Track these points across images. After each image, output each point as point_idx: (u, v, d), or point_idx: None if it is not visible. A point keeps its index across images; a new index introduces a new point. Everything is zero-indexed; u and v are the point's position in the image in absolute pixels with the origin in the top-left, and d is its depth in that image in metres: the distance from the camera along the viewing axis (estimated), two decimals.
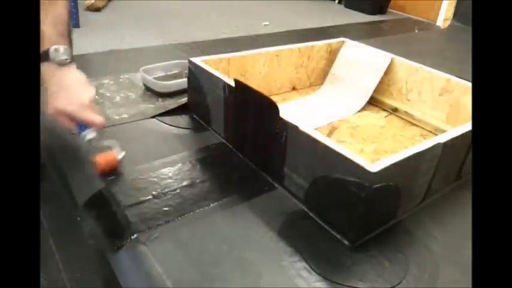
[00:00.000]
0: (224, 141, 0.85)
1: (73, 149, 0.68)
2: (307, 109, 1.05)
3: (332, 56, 1.16)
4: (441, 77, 0.98)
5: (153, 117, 0.92)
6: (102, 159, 0.71)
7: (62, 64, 0.66)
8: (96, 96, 1.00)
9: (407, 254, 0.61)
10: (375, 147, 0.90)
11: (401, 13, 4.30)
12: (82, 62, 1.32)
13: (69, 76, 0.66)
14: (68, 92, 0.64)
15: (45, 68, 0.65)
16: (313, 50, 1.12)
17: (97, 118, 0.66)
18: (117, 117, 0.91)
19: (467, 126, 0.72)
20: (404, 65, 1.05)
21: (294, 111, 1.02)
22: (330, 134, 0.94)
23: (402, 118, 1.05)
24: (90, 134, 0.67)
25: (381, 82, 1.08)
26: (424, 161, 0.65)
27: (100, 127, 0.67)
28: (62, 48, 0.66)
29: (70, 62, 0.67)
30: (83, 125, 0.67)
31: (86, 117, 0.65)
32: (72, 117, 0.65)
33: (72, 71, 0.68)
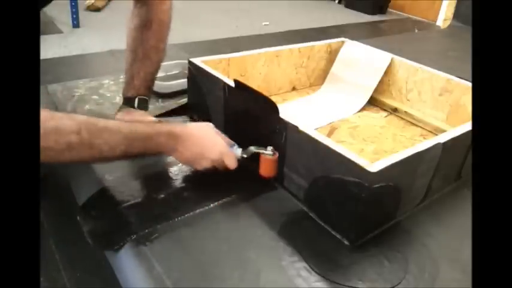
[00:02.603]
0: None
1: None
2: (307, 109, 1.05)
3: (332, 56, 1.16)
4: (441, 77, 0.98)
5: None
6: (266, 163, 0.71)
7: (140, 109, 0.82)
8: (96, 97, 1.00)
9: (407, 254, 0.61)
10: (374, 147, 0.90)
11: (401, 13, 4.30)
12: (82, 62, 1.32)
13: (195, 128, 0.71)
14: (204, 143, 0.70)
15: (128, 111, 0.80)
16: (313, 50, 1.12)
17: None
18: None
19: (467, 126, 0.72)
20: (404, 65, 1.05)
21: (294, 111, 1.02)
22: (330, 134, 0.94)
23: (402, 118, 1.05)
24: (238, 150, 0.71)
25: (381, 82, 1.08)
26: (424, 161, 0.65)
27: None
28: (144, 98, 0.83)
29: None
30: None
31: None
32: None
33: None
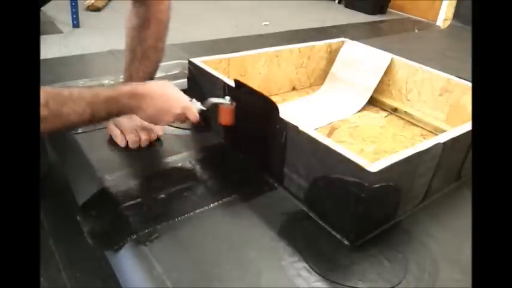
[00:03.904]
0: (224, 141, 0.85)
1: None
2: (307, 109, 1.05)
3: (332, 56, 1.16)
4: (441, 77, 0.98)
5: None
6: (225, 112, 0.75)
7: None
8: None
9: (407, 254, 0.61)
10: (375, 147, 0.90)
11: (401, 13, 4.30)
12: (82, 62, 1.32)
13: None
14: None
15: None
16: (313, 50, 1.12)
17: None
18: None
19: (467, 126, 0.72)
20: (404, 65, 1.05)
21: (294, 111, 1.02)
22: (330, 134, 0.94)
23: (402, 118, 1.05)
24: (197, 103, 0.74)
25: (381, 82, 1.08)
26: (424, 161, 0.65)
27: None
28: None
29: None
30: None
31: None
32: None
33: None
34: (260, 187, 0.73)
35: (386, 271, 0.58)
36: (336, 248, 0.61)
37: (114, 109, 0.66)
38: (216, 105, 0.75)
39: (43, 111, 0.55)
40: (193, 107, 0.73)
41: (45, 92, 0.57)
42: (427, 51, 1.63)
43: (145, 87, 0.70)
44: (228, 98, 0.75)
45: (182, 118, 0.73)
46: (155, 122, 0.73)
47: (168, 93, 0.72)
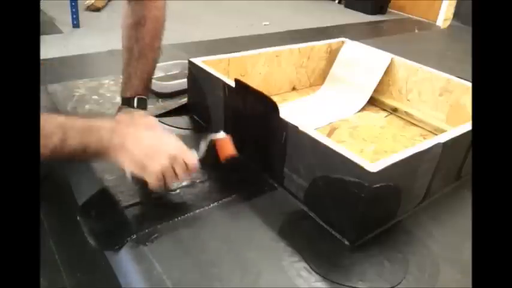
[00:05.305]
0: None
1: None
2: (307, 109, 1.05)
3: (332, 56, 1.16)
4: (441, 77, 0.98)
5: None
6: (224, 145, 0.70)
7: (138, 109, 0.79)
8: (96, 97, 1.00)
9: (407, 254, 0.61)
10: (375, 147, 0.90)
11: (401, 13, 4.31)
12: (82, 62, 1.32)
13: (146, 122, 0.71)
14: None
15: (128, 111, 0.78)
16: (313, 50, 1.12)
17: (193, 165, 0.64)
18: None
19: (467, 126, 0.72)
20: (404, 65, 1.05)
21: (294, 111, 1.02)
22: (330, 134, 0.94)
23: (402, 118, 1.05)
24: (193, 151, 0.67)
25: (381, 82, 1.08)
26: (424, 161, 0.65)
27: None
28: (143, 98, 0.80)
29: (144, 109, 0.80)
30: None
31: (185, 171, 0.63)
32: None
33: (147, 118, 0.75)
34: (260, 187, 0.73)
35: (386, 271, 0.58)
36: (336, 248, 0.61)
37: (92, 141, 0.56)
38: (211, 143, 0.69)
39: None
40: (190, 151, 0.65)
41: None
42: (427, 51, 1.63)
43: (132, 121, 0.65)
44: (221, 131, 0.70)
45: (179, 162, 0.61)
46: (143, 167, 0.59)
47: (158, 132, 0.65)
